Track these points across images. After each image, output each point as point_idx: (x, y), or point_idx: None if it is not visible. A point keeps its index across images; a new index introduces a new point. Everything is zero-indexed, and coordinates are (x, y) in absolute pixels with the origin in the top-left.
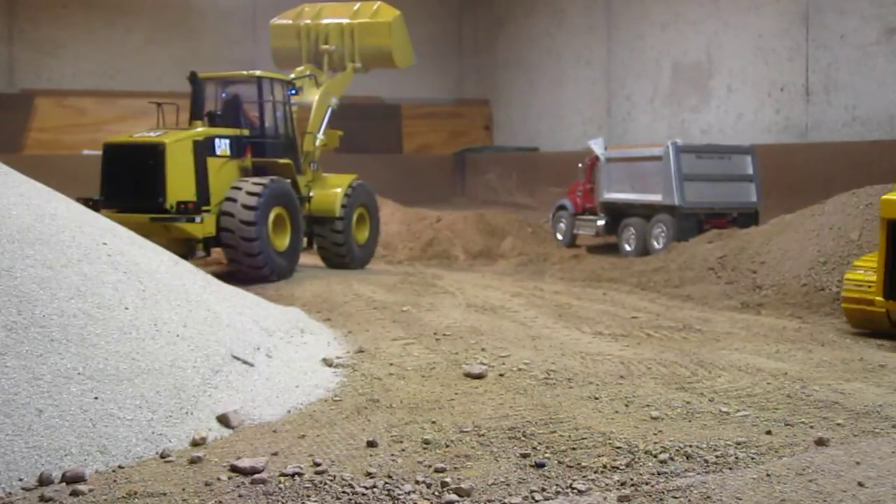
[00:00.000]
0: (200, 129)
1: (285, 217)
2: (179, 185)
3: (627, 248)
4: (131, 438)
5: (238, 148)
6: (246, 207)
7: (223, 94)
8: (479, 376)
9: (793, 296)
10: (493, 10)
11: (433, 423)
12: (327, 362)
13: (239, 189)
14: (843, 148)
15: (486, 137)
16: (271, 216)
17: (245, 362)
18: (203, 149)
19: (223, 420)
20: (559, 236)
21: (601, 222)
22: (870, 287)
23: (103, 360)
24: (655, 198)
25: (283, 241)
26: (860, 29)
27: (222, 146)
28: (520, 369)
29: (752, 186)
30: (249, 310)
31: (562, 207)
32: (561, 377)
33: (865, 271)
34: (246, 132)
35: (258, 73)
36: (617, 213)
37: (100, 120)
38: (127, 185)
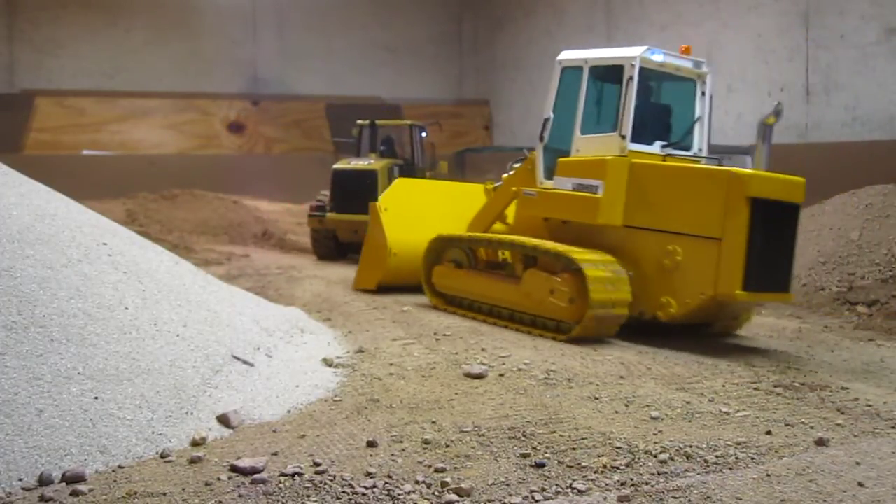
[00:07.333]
0: (389, 160)
1: None
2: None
3: None
4: (131, 438)
5: (401, 172)
6: None
7: (387, 136)
8: (479, 376)
9: None
10: (493, 10)
11: (433, 423)
12: (327, 362)
13: None
14: (843, 148)
15: (486, 137)
16: None
17: (245, 362)
18: (391, 172)
19: (223, 420)
20: None
21: None
22: None
23: (103, 360)
24: None
25: None
26: (860, 29)
27: (396, 171)
28: (520, 369)
29: None
30: (249, 310)
31: None
32: (561, 377)
33: None
34: (400, 161)
35: (409, 122)
36: None
37: (100, 120)
38: (350, 196)
